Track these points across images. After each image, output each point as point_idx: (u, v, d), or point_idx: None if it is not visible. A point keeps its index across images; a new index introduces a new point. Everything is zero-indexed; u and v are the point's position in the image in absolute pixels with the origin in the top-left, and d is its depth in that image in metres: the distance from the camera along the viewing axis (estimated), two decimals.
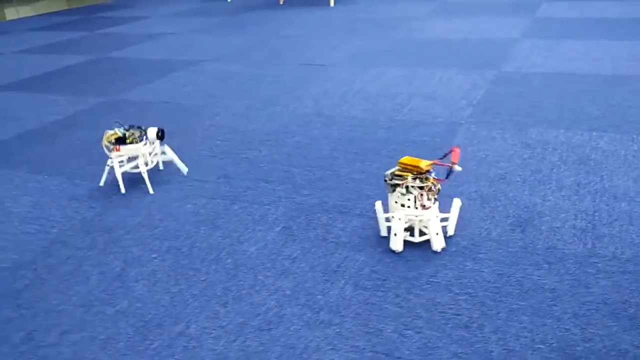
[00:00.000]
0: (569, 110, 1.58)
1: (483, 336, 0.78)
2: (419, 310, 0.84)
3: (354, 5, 3.75)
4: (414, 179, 0.97)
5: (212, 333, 0.82)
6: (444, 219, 1.04)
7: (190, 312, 0.87)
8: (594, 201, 1.10)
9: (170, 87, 2.09)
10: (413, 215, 0.97)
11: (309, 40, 2.73)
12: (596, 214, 1.05)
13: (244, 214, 1.15)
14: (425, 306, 0.84)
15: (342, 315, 0.84)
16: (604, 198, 1.11)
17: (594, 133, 1.41)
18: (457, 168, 0.99)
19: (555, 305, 0.83)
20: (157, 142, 1.30)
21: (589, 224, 1.02)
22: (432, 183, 0.97)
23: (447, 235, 1.01)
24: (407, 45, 2.49)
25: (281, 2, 4.08)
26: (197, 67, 2.37)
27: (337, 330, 0.81)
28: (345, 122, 1.61)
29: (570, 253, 0.94)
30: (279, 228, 1.09)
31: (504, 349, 0.76)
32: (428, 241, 0.99)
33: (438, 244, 0.97)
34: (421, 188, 0.96)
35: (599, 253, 0.94)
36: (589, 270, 0.90)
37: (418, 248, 0.99)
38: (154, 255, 1.02)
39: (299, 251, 1.01)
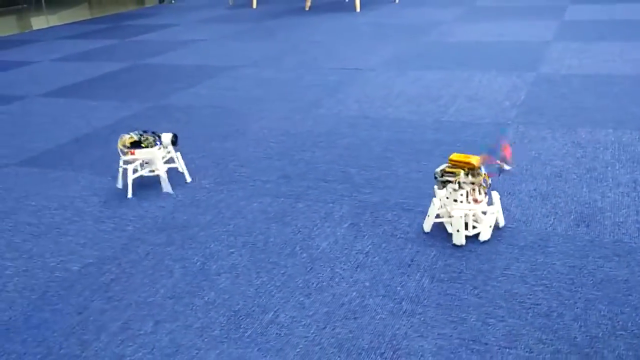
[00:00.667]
0: (613, 111, 1.61)
1: (564, 324, 0.81)
2: (499, 301, 0.87)
3: (380, 11, 3.79)
4: (466, 174, 1.01)
5: (301, 321, 0.86)
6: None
7: (276, 302, 0.91)
8: None
9: (211, 92, 2.14)
10: (467, 210, 1.02)
11: (340, 46, 2.78)
12: None
13: (310, 212, 1.19)
14: (503, 297, 0.88)
15: (425, 305, 0.88)
16: None
17: None
18: (506, 167, 1.03)
19: (630, 295, 0.86)
20: (171, 147, 1.34)
21: None
22: (484, 178, 1.02)
23: (500, 226, 1.05)
24: (441, 49, 2.53)
25: (307, 9, 4.14)
26: (234, 72, 2.42)
27: (422, 319, 0.85)
28: (393, 124, 1.65)
29: (638, 247, 0.97)
30: (346, 225, 1.13)
31: (587, 336, 0.79)
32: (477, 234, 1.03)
33: (486, 235, 1.02)
34: (472, 183, 1.01)
35: None
36: None
37: (481, 243, 1.02)
38: (231, 250, 1.06)
39: (370, 246, 1.05)
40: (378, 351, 0.79)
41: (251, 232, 1.13)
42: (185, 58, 2.79)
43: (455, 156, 1.04)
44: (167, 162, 1.37)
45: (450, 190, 1.03)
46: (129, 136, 1.30)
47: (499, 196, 1.06)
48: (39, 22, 4.40)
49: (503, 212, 1.11)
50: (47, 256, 1.10)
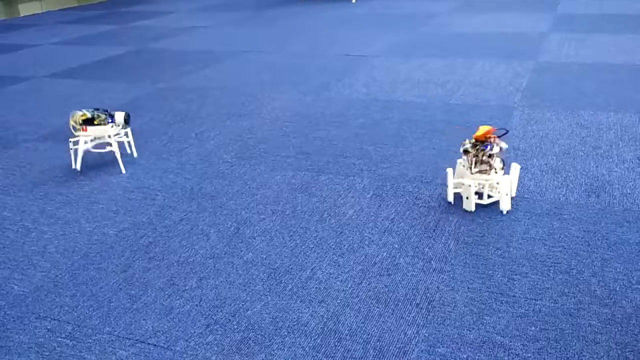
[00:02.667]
0: (612, 95, 1.69)
1: (584, 279, 0.88)
2: (521, 260, 0.94)
3: (376, 2, 3.85)
4: (490, 146, 1.08)
5: (338, 277, 0.92)
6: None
7: (312, 261, 0.97)
8: None
9: (221, 75, 2.18)
10: (483, 180, 1.08)
11: (341, 34, 2.83)
12: None
13: (333, 184, 1.24)
14: (525, 256, 0.94)
15: (452, 264, 0.94)
16: None
17: None
18: (504, 145, 1.11)
19: None
20: (124, 125, 1.37)
21: None
22: (500, 147, 1.09)
23: (512, 196, 1.12)
24: (441, 39, 2.60)
25: None
26: (240, 57, 2.46)
27: (451, 275, 0.91)
28: (403, 106, 1.71)
29: None
30: (369, 195, 1.19)
31: (606, 289, 0.86)
32: (494, 204, 1.10)
33: (506, 204, 1.08)
34: (490, 156, 1.08)
35: None
36: None
37: (499, 211, 1.09)
38: (262, 217, 1.11)
39: (394, 214, 1.11)
40: (414, 302, 0.85)
41: (278, 201, 1.18)
42: (189, 43, 2.82)
43: (481, 130, 1.10)
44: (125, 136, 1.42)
45: (474, 161, 1.09)
46: (81, 113, 1.32)
47: (518, 167, 1.12)
48: (33, 7, 4.38)
49: (518, 185, 1.18)
50: (82, 222, 1.15)
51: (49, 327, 0.85)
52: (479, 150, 1.08)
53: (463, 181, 1.08)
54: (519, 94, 1.75)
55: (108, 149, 1.37)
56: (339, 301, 0.86)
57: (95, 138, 1.36)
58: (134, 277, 0.95)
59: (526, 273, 0.90)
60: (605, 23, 2.74)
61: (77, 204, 1.22)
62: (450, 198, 1.13)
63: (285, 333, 0.81)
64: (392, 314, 0.83)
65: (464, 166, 1.11)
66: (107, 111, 1.35)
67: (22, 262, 1.02)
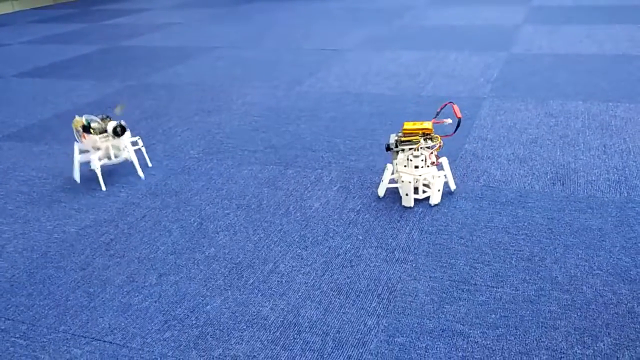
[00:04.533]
0: (582, 85, 1.69)
1: (545, 266, 0.88)
2: (484, 248, 0.93)
3: None
4: (425, 140, 1.07)
5: (300, 270, 0.91)
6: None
7: (275, 254, 0.95)
8: (622, 159, 1.21)
9: (192, 71, 2.16)
10: (417, 175, 1.07)
11: (316, 28, 2.82)
12: (626, 169, 1.16)
13: (300, 177, 1.23)
14: (488, 245, 0.94)
15: (415, 254, 0.93)
16: (631, 156, 1.22)
17: (610, 103, 1.53)
18: (448, 120, 1.09)
19: (604, 241, 0.93)
20: (124, 137, 1.22)
21: (621, 177, 1.13)
22: (439, 142, 1.08)
23: (452, 190, 1.11)
24: (415, 31, 2.60)
25: None
26: (213, 53, 2.44)
27: (413, 265, 0.90)
28: (374, 99, 1.70)
29: (609, 200, 1.05)
30: (336, 187, 1.17)
31: (567, 275, 0.85)
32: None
33: (436, 199, 1.07)
34: (429, 147, 1.07)
35: (635, 200, 1.04)
36: (629, 213, 1.00)
37: (458, 201, 1.08)
38: (227, 212, 1.10)
39: (360, 205, 1.10)
40: (375, 293, 0.84)
41: (244, 195, 1.16)
42: (162, 40, 2.79)
43: (409, 124, 1.08)
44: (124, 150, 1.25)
45: (411, 157, 1.07)
46: (80, 119, 1.21)
47: (447, 161, 1.11)
48: (4, 7, 4.30)
49: (484, 174, 1.18)
50: (43, 220, 1.12)
51: (2, 327, 0.83)
52: (434, 140, 1.07)
53: (403, 177, 1.07)
54: (489, 85, 1.75)
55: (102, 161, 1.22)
56: (300, 294, 0.85)
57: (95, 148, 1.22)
58: (92, 275, 0.93)
59: (488, 261, 0.90)
60: (578, 14, 2.75)
61: (39, 202, 1.20)
62: (382, 193, 1.12)
63: (244, 327, 0.79)
64: (352, 305, 0.82)
65: (406, 165, 1.08)
66: (108, 117, 1.22)
67: None
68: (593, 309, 0.79)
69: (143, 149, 1.30)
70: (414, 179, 1.07)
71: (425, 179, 1.09)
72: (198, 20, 3.31)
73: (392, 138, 1.09)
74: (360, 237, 0.99)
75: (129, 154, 1.23)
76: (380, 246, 0.96)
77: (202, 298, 0.86)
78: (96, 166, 1.20)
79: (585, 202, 1.05)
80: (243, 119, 1.60)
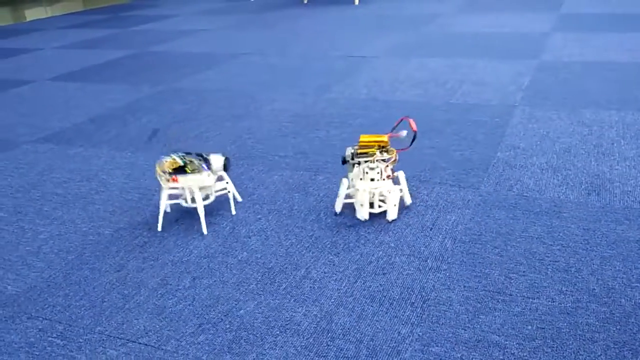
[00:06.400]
0: (615, 94, 1.67)
1: (582, 277, 0.87)
2: (519, 258, 0.92)
3: (379, 4, 3.84)
4: (381, 152, 1.05)
5: (333, 276, 0.91)
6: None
7: (307, 260, 0.95)
8: None
9: (221, 77, 2.18)
10: (374, 188, 1.05)
11: (342, 36, 2.83)
12: None
13: (330, 183, 1.23)
14: (523, 255, 0.93)
15: (449, 263, 0.92)
16: None
17: None
18: (403, 133, 1.08)
19: None
20: (224, 173, 1.10)
21: None
22: (395, 155, 1.06)
23: (407, 205, 1.10)
24: (442, 39, 2.59)
25: (305, 1, 4.18)
26: (241, 59, 2.46)
27: (447, 274, 0.90)
28: (403, 105, 1.70)
29: None
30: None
31: (604, 287, 0.84)
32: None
33: (393, 214, 1.05)
34: (384, 161, 1.05)
35: None
36: None
37: (496, 209, 1.07)
38: (258, 216, 1.10)
39: None
40: (409, 301, 0.84)
41: (275, 200, 1.17)
42: (191, 46, 2.82)
43: (364, 137, 1.07)
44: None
45: (367, 169, 1.05)
46: (170, 159, 1.06)
47: (404, 175, 1.10)
48: (37, 12, 4.40)
49: (517, 183, 1.16)
50: (78, 222, 1.14)
51: (40, 327, 0.84)
52: (389, 153, 1.05)
53: (357, 186, 1.05)
54: (520, 93, 1.73)
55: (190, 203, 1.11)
56: (332, 300, 0.85)
57: (184, 189, 1.08)
58: (127, 277, 0.94)
59: (524, 272, 0.89)
60: (609, 22, 2.72)
61: (74, 204, 1.22)
62: (339, 209, 1.10)
63: (278, 332, 0.80)
64: (386, 313, 0.82)
65: (361, 178, 1.06)
66: (201, 155, 1.07)
67: (16, 262, 1.02)
68: (632, 322, 0.77)
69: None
70: (370, 192, 1.06)
71: (381, 193, 1.08)
72: (224, 26, 3.35)
73: (348, 151, 1.07)
74: (392, 245, 0.98)
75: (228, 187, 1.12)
76: (413, 254, 0.95)
77: (235, 302, 0.86)
78: (201, 207, 1.06)
79: (621, 213, 1.03)
80: (273, 125, 1.61)
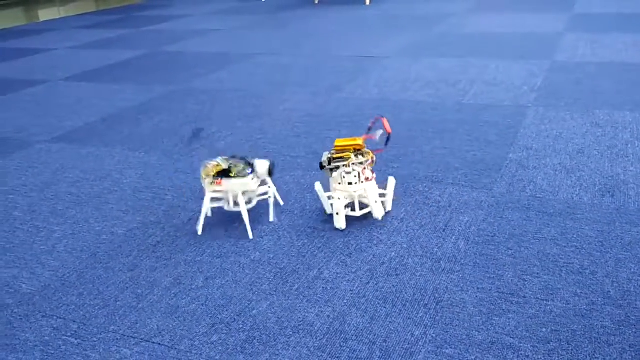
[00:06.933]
0: (629, 95, 1.65)
1: (597, 280, 0.86)
2: (533, 260, 0.92)
3: (390, 4, 3.83)
4: (356, 156, 1.04)
5: (345, 277, 0.91)
6: (381, 195, 1.12)
7: (320, 261, 0.95)
8: None
9: (233, 77, 2.19)
10: (352, 191, 1.04)
11: (353, 36, 2.82)
12: None
13: None
14: (537, 257, 0.92)
15: (462, 264, 0.92)
16: None
17: None
18: (378, 135, 1.07)
19: None
20: (268, 178, 1.07)
21: None
22: (372, 157, 1.05)
23: (386, 211, 1.09)
24: (453, 39, 2.58)
25: (316, 2, 4.18)
26: (253, 59, 2.46)
27: (460, 275, 0.89)
28: (414, 106, 1.70)
29: None
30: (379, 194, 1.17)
31: (620, 290, 0.83)
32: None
33: (379, 212, 1.05)
34: (361, 163, 1.04)
35: None
36: None
37: (510, 211, 1.07)
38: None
39: (404, 213, 1.09)
40: (422, 303, 0.84)
41: (287, 200, 1.17)
42: (203, 46, 2.83)
43: (340, 141, 1.06)
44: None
45: (344, 174, 1.04)
46: (215, 163, 1.04)
47: (394, 181, 1.09)
48: (50, 13, 4.43)
49: (530, 184, 1.16)
50: (91, 221, 1.15)
51: (55, 326, 0.85)
52: (365, 155, 1.05)
53: (333, 195, 1.04)
54: (533, 94, 1.72)
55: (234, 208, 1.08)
56: (345, 301, 0.85)
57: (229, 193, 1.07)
58: (140, 277, 0.95)
59: (537, 273, 0.88)
60: (622, 22, 2.69)
61: (87, 204, 1.23)
62: (329, 210, 1.08)
63: (291, 333, 0.80)
64: (399, 314, 0.82)
65: (340, 183, 1.05)
66: (245, 159, 1.06)
67: (31, 261, 1.03)
68: None
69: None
70: (349, 195, 1.05)
71: (360, 196, 1.07)
72: (236, 27, 3.36)
73: (325, 156, 1.06)
74: (405, 246, 0.98)
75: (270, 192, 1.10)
76: (426, 255, 0.95)
77: (248, 302, 0.87)
78: (245, 212, 1.04)
79: (636, 215, 1.02)
80: (285, 125, 1.61)
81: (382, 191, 1.10)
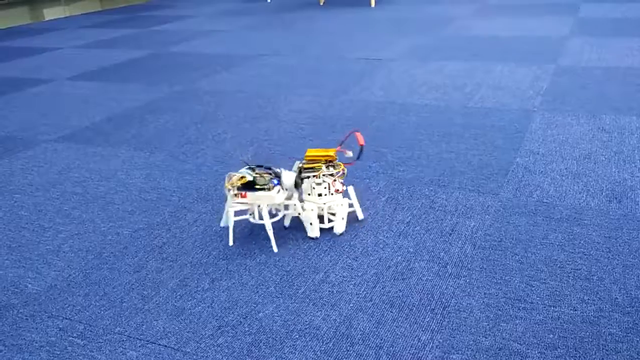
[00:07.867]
0: (636, 100, 1.65)
1: (605, 286, 0.86)
2: (540, 266, 0.91)
3: (395, 6, 3.83)
4: (327, 167, 1.04)
5: (351, 281, 0.90)
6: (349, 205, 1.12)
7: (326, 264, 0.95)
8: None
9: (238, 78, 2.19)
10: (322, 203, 1.03)
11: (359, 38, 2.82)
12: None
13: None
14: (544, 262, 0.92)
15: (469, 269, 0.92)
16: None
17: None
18: (349, 153, 1.07)
19: None
20: (294, 191, 1.05)
21: None
22: (342, 168, 1.05)
23: (360, 219, 1.08)
24: (460, 42, 2.57)
25: (321, 3, 4.18)
26: (258, 60, 2.46)
27: (467, 280, 0.89)
28: (420, 109, 1.69)
29: None
30: (384, 198, 1.17)
31: (628, 297, 0.83)
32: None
33: (341, 227, 1.04)
34: (332, 175, 1.04)
35: None
36: None
37: (516, 216, 1.06)
38: (276, 219, 1.11)
39: (410, 217, 1.09)
40: (428, 307, 0.83)
41: None
42: (208, 47, 2.84)
43: (311, 151, 1.05)
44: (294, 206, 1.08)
45: (314, 184, 1.04)
46: (239, 174, 1.01)
47: (353, 189, 1.08)
48: (56, 12, 4.44)
49: (537, 189, 1.15)
50: (97, 221, 1.15)
51: (60, 326, 0.85)
52: (336, 167, 1.04)
53: (305, 206, 1.03)
54: (539, 98, 1.72)
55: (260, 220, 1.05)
56: (351, 305, 0.85)
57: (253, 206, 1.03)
58: (146, 278, 0.95)
59: (544, 279, 0.88)
60: (628, 26, 2.69)
61: (93, 204, 1.23)
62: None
63: (297, 336, 0.80)
64: (406, 319, 0.82)
65: (310, 194, 1.04)
66: (270, 170, 1.03)
67: (36, 261, 1.03)
68: None
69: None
70: (319, 207, 1.04)
71: (330, 207, 1.06)
72: (242, 27, 3.36)
73: (296, 165, 1.05)
74: (411, 250, 0.98)
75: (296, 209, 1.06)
76: (432, 260, 0.95)
77: (254, 305, 0.86)
78: (268, 224, 1.01)
79: None
80: (290, 127, 1.61)
81: (343, 201, 1.07)
